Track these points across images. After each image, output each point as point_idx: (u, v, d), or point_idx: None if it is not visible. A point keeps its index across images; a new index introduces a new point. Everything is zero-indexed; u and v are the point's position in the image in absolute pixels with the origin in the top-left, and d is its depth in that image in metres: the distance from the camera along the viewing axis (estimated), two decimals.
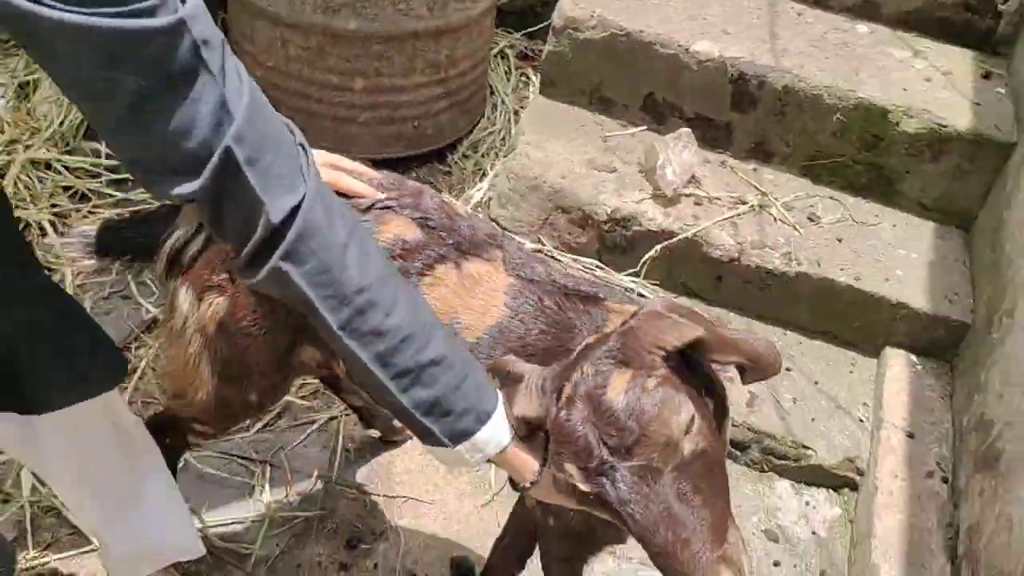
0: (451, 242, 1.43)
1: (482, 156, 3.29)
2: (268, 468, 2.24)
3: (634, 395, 1.07)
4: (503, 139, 3.34)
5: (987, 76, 3.07)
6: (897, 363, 2.67)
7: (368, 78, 2.91)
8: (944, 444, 2.48)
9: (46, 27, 0.81)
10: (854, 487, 2.50)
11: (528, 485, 1.20)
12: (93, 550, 1.93)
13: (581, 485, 1.11)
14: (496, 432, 1.17)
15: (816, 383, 2.63)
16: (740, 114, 2.97)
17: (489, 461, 1.20)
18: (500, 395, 1.20)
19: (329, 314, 1.07)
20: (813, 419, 2.54)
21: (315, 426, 2.35)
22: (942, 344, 2.68)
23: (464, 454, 1.16)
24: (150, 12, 0.84)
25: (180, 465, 1.92)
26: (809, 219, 2.87)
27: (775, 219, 2.83)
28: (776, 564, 2.31)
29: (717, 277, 2.77)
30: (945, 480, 2.38)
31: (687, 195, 2.84)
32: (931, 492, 2.35)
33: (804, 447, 2.49)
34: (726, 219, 2.79)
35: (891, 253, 2.79)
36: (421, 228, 1.43)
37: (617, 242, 2.81)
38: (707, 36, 2.95)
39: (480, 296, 1.41)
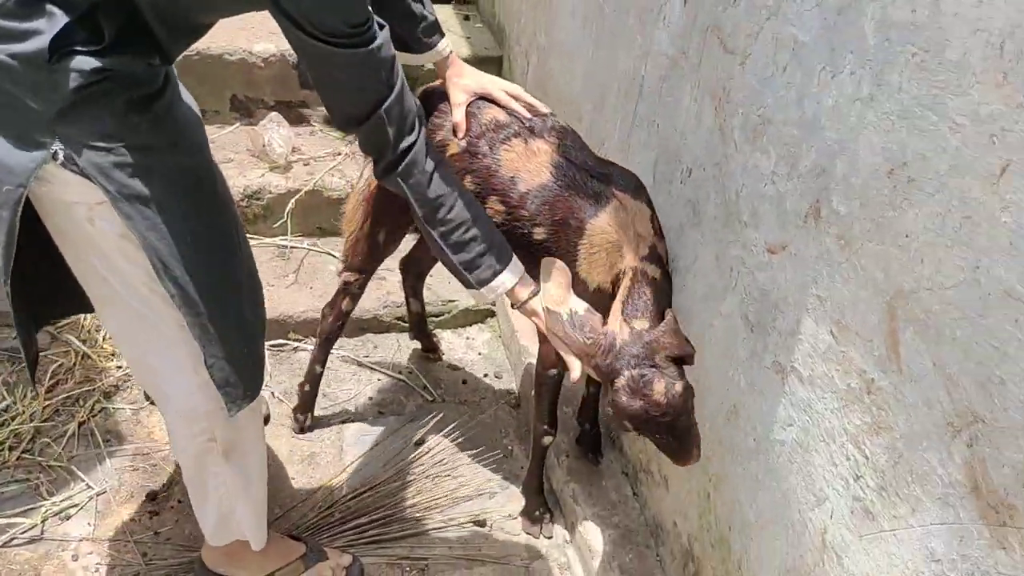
0: (526, 126, 2.15)
1: None
2: None
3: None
4: None
5: (467, 18, 4.19)
6: None
7: None
8: None
9: (323, 54, 1.55)
10: (493, 314, 3.44)
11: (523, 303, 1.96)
12: None
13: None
14: (505, 280, 1.92)
15: None
16: (310, 90, 3.74)
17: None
18: (514, 257, 1.95)
19: (417, 207, 1.82)
20: (449, 281, 3.43)
21: None
22: None
23: (485, 294, 1.92)
24: (372, 37, 1.58)
25: None
26: None
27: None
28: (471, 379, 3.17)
29: (342, 212, 3.53)
30: None
31: (295, 160, 3.56)
32: None
33: (450, 300, 3.37)
34: (331, 168, 3.56)
35: None
36: (508, 114, 2.18)
37: (257, 213, 3.44)
38: (261, 38, 3.68)
39: (535, 163, 2.12)
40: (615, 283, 2.04)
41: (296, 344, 3.18)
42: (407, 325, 3.25)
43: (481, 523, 2.64)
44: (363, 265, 2.60)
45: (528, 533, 2.60)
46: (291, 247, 3.45)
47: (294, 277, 3.34)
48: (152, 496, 2.58)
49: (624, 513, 2.54)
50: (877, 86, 1.47)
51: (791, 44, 1.72)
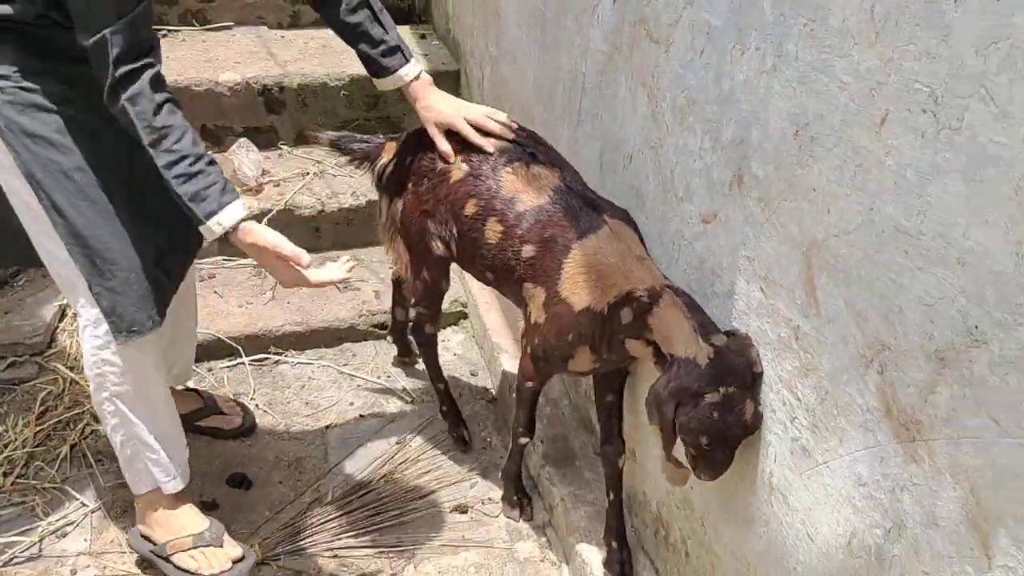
0: (529, 153, 2.27)
1: None
2: None
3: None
4: None
5: (424, 37, 4.34)
6: None
7: None
8: None
9: None
10: (466, 316, 3.56)
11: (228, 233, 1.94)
12: None
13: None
14: (232, 212, 1.90)
15: None
16: (276, 115, 3.88)
17: (229, 236, 1.94)
18: (240, 197, 1.96)
19: (144, 135, 1.83)
20: None
21: None
22: None
23: (212, 227, 1.90)
24: None
25: None
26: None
27: (334, 175, 3.80)
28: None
29: (315, 229, 3.66)
30: None
31: (266, 182, 3.69)
32: None
33: None
34: (301, 188, 3.69)
35: None
36: (513, 143, 2.30)
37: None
38: (226, 69, 3.81)
39: (536, 186, 2.21)
40: (616, 305, 2.01)
41: (277, 357, 3.29)
42: (383, 332, 3.37)
43: (463, 510, 2.74)
44: (430, 305, 2.74)
45: (508, 517, 2.71)
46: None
47: (271, 294, 3.45)
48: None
49: (599, 490, 2.65)
50: (778, 57, 1.61)
51: (706, 28, 1.87)
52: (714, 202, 1.91)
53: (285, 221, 3.57)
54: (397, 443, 2.97)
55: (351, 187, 3.74)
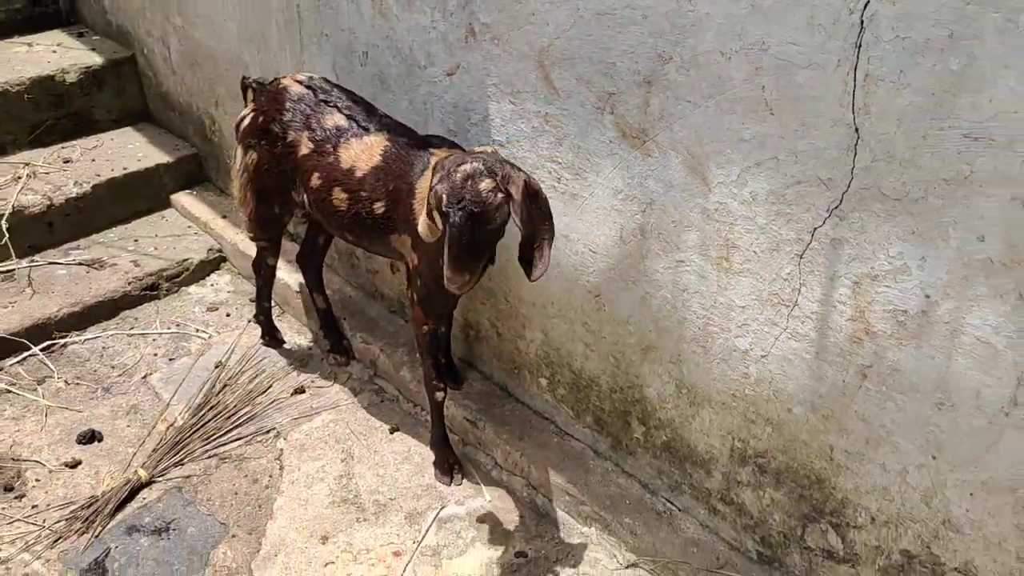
0: (362, 126, 2.59)
1: None
2: None
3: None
4: None
5: (81, 35, 4.50)
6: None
7: None
8: None
9: None
10: (224, 259, 3.93)
11: None
12: None
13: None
14: None
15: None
16: None
17: None
18: None
19: None
20: (180, 240, 3.86)
21: None
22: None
23: None
24: None
25: None
26: (65, 161, 4.01)
27: (47, 173, 3.91)
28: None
29: (48, 224, 3.78)
30: None
31: None
32: None
33: (183, 260, 3.80)
34: (21, 189, 3.77)
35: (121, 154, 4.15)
36: (347, 119, 2.62)
37: None
38: None
39: (368, 152, 2.54)
40: None
41: (63, 340, 3.44)
42: (153, 293, 3.65)
43: (301, 390, 3.23)
44: (269, 235, 3.07)
45: (441, 483, 2.86)
46: (11, 270, 3.64)
47: (31, 291, 3.55)
48: (8, 487, 2.81)
49: (404, 339, 3.27)
50: None
51: None
52: (454, 57, 2.60)
53: (16, 223, 3.66)
54: (216, 366, 3.33)
55: (71, 178, 3.89)
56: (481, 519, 2.73)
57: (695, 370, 2.37)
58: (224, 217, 4.02)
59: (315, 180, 2.67)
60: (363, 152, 2.58)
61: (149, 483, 2.82)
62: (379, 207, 2.55)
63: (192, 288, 3.82)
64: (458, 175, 2.05)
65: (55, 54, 4.27)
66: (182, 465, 2.90)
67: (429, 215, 2.17)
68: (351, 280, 3.59)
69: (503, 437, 2.88)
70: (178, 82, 4.10)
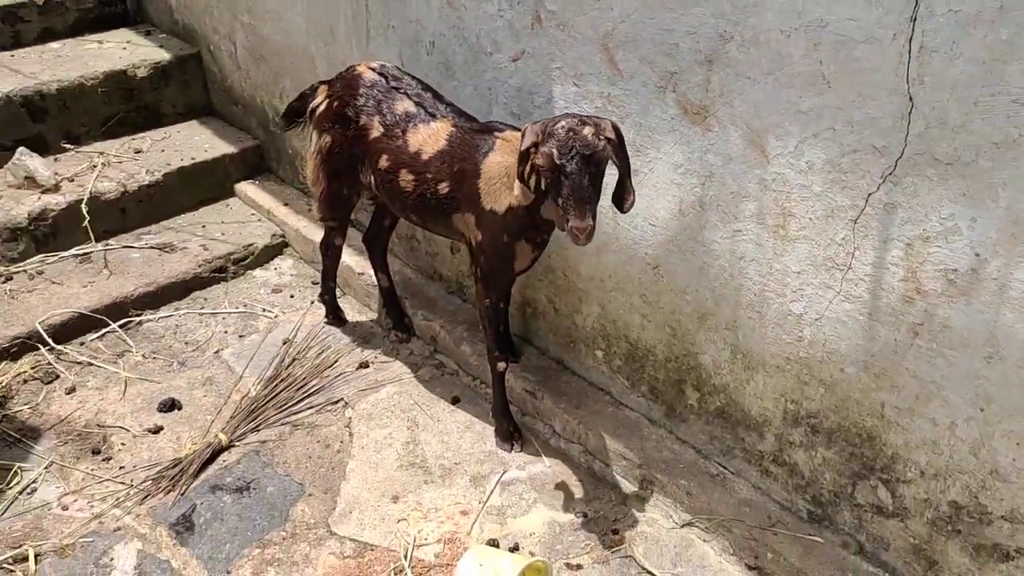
0: (429, 112, 2.77)
1: None
2: None
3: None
4: None
5: (149, 33, 4.72)
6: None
7: None
8: None
9: None
10: (287, 244, 4.11)
11: None
12: None
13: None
14: None
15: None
16: (41, 124, 4.09)
17: None
18: None
19: None
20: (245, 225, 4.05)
21: None
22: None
23: None
24: None
25: None
26: (136, 151, 4.22)
27: (120, 162, 4.12)
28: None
29: (121, 210, 3.98)
30: None
31: (60, 180, 3.93)
32: None
33: (248, 244, 3.99)
34: (98, 176, 3.98)
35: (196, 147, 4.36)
36: (415, 105, 2.80)
37: (46, 232, 3.78)
38: None
39: (435, 137, 2.72)
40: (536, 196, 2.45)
41: (139, 318, 3.63)
42: (222, 275, 3.84)
43: (366, 365, 3.39)
44: (337, 215, 3.24)
45: (502, 449, 3.00)
46: (88, 252, 3.85)
47: (107, 272, 3.75)
48: (96, 451, 2.99)
49: (464, 317, 3.43)
50: None
51: None
52: (520, 43, 2.77)
53: (92, 208, 3.86)
54: (284, 343, 3.51)
55: (142, 167, 4.10)
56: (542, 483, 2.88)
57: (750, 335, 2.50)
58: (286, 205, 4.21)
59: (383, 162, 2.83)
60: (430, 137, 2.75)
61: (228, 447, 2.99)
62: (443, 187, 2.71)
63: (257, 271, 4.00)
64: (560, 131, 2.21)
65: (125, 51, 4.49)
66: (258, 431, 3.07)
67: (522, 178, 2.38)
68: (410, 262, 3.75)
69: (561, 407, 3.02)
70: (243, 76, 4.30)
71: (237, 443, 3.01)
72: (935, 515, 2.26)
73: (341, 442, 3.03)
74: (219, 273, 3.88)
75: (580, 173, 2.19)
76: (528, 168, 2.35)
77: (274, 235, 4.08)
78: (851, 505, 2.46)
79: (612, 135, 2.25)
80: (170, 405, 3.18)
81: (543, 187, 2.35)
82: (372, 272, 3.65)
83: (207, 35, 4.45)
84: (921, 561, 2.34)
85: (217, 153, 4.27)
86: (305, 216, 4.12)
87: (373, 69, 2.92)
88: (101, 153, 4.14)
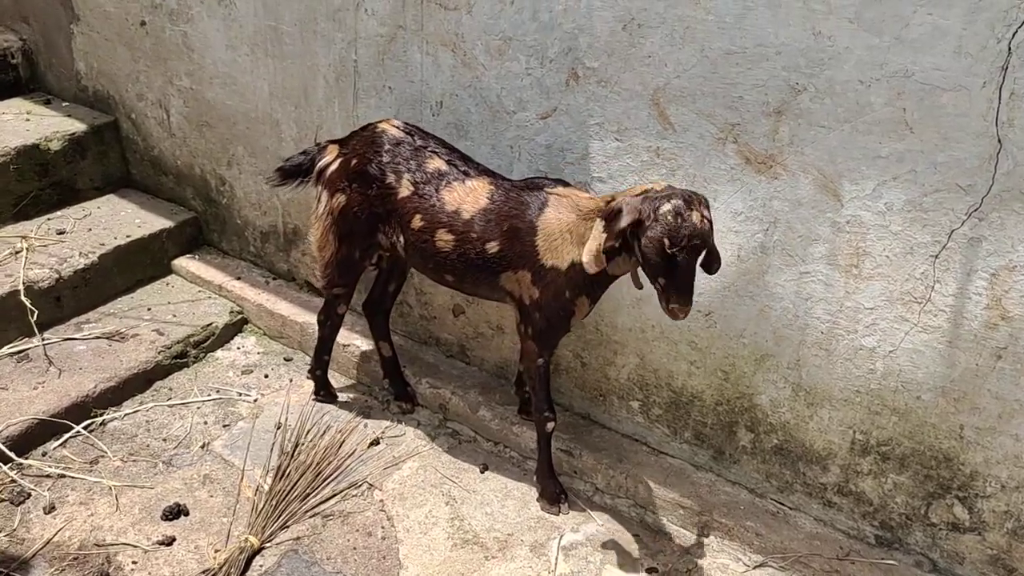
0: (462, 171, 2.70)
1: None
2: None
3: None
4: None
5: (48, 103, 4.29)
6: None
7: None
8: None
9: None
10: (247, 321, 3.83)
11: None
12: None
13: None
14: None
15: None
16: None
17: None
18: None
19: None
20: (195, 305, 3.73)
21: None
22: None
23: None
24: None
25: None
26: (58, 232, 3.81)
27: (45, 245, 3.70)
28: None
29: (56, 299, 3.57)
30: None
31: None
32: None
33: (207, 325, 3.69)
34: (27, 264, 3.55)
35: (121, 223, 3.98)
36: (447, 163, 2.71)
37: None
38: None
39: (473, 195, 2.66)
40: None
41: (102, 417, 3.25)
42: (183, 360, 3.52)
43: (376, 442, 3.21)
44: (346, 281, 3.05)
45: (549, 512, 2.92)
46: (24, 349, 3.42)
47: (55, 370, 3.34)
48: (103, 574, 2.64)
49: (469, 381, 3.33)
50: None
51: None
52: (550, 101, 2.75)
53: (14, 303, 3.44)
54: (278, 427, 3.26)
55: (73, 250, 3.70)
56: (602, 543, 2.82)
57: (815, 372, 2.58)
58: (239, 279, 3.93)
59: (417, 222, 2.73)
60: (467, 195, 2.67)
61: (260, 549, 2.72)
62: (492, 246, 2.64)
63: (219, 352, 3.69)
64: (668, 216, 2.19)
65: (29, 122, 4.05)
66: (287, 528, 2.81)
67: (610, 252, 2.35)
68: (398, 329, 3.60)
69: (603, 462, 2.98)
70: (177, 144, 3.99)
71: (268, 544, 2.75)
72: (1015, 525, 2.41)
73: (383, 527, 2.83)
74: (180, 359, 3.55)
75: (690, 263, 2.23)
76: (619, 243, 2.32)
77: (232, 311, 3.79)
78: (924, 525, 2.57)
79: (709, 213, 2.27)
80: (176, 511, 2.86)
81: (647, 272, 2.33)
82: (357, 343, 3.47)
83: (127, 102, 4.10)
84: (999, 570, 2.48)
85: (153, 228, 3.92)
86: (264, 289, 3.87)
87: (397, 127, 2.81)
88: (23, 237, 3.70)
